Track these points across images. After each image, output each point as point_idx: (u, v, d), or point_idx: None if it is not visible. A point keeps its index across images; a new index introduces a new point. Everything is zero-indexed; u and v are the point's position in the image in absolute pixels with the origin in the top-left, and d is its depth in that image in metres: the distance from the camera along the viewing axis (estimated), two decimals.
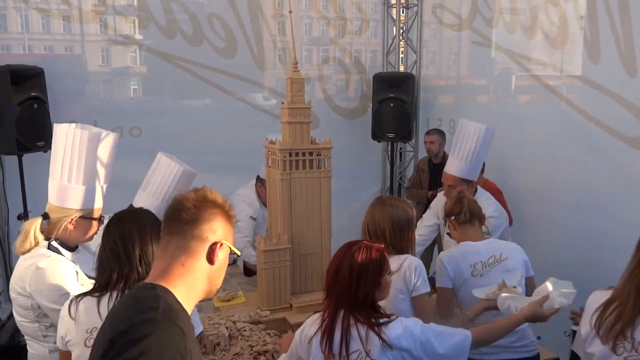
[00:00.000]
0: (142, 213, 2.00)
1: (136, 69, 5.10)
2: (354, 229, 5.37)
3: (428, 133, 4.98)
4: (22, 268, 2.13)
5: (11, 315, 4.22)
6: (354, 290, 1.85)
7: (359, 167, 5.63)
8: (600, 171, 3.67)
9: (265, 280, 2.96)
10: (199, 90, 5.07)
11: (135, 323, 1.18)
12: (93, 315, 1.79)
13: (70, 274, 2.10)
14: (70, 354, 1.86)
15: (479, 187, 3.43)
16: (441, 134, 4.91)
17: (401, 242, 2.39)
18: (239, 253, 1.38)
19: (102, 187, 2.32)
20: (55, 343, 2.13)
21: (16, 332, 4.16)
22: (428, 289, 2.36)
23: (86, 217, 2.23)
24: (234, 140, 4.79)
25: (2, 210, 4.39)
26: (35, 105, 4.03)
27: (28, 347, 2.25)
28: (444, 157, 4.81)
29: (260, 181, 3.95)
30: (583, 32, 3.77)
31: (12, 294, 2.15)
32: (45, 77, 4.27)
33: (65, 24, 4.66)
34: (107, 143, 2.31)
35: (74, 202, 2.22)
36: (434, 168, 4.91)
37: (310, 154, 3.01)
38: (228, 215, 1.39)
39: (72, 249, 2.25)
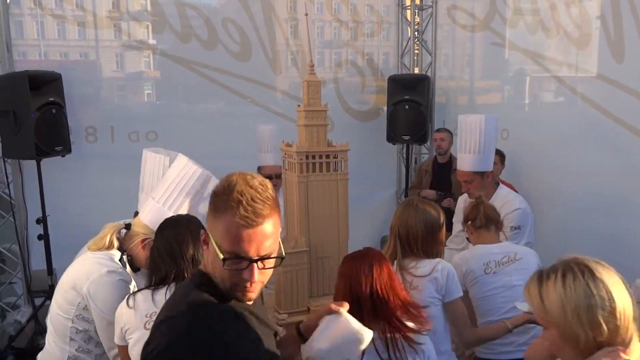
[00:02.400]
0: (192, 219, 2.17)
1: (150, 74, 5.13)
2: (370, 231, 5.43)
3: (438, 131, 4.99)
4: (88, 268, 2.17)
5: (31, 318, 4.28)
6: None
7: (374, 169, 5.62)
8: (622, 171, 3.61)
9: (282, 283, 2.95)
10: (214, 94, 5.09)
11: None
12: (149, 303, 1.99)
13: (127, 290, 2.16)
14: (127, 348, 2.01)
15: (500, 184, 3.42)
16: (450, 132, 4.92)
17: (432, 245, 2.38)
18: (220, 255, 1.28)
19: None
20: (76, 350, 2.16)
21: (35, 334, 4.22)
22: (461, 294, 2.37)
23: None
24: (249, 143, 4.80)
25: (21, 214, 4.44)
26: (54, 111, 4.07)
27: (47, 345, 2.26)
28: (450, 158, 4.82)
29: (259, 170, 4.08)
30: (605, 31, 3.73)
31: (65, 285, 2.19)
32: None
33: (80, 30, 4.71)
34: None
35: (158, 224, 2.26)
36: (439, 168, 4.90)
37: (327, 156, 2.99)
38: (215, 206, 1.30)
39: (135, 269, 2.32)
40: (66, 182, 4.50)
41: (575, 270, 1.25)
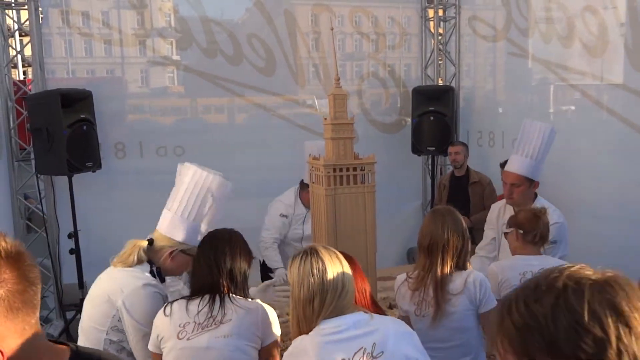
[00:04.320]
0: (234, 234, 2.22)
1: (174, 89, 5.22)
2: (396, 244, 5.40)
3: (452, 144, 4.92)
4: (122, 281, 2.21)
5: (63, 332, 4.36)
6: None
7: (399, 181, 5.60)
8: None
9: None
10: (238, 108, 5.15)
11: None
12: (183, 313, 2.03)
13: (162, 302, 2.18)
14: (161, 356, 2.05)
15: (538, 194, 3.34)
16: (465, 145, 4.87)
17: (463, 253, 2.34)
18: None
19: (205, 229, 2.39)
20: None
21: None
22: (495, 304, 2.30)
23: (187, 252, 2.33)
24: (275, 156, 4.84)
25: (54, 229, 4.53)
26: (85, 127, 4.16)
27: None
28: (468, 171, 4.78)
29: (302, 186, 4.03)
30: (624, 40, 3.68)
31: (97, 299, 2.23)
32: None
33: (106, 47, 4.81)
34: (224, 192, 2.41)
35: (179, 234, 2.32)
36: (456, 182, 4.83)
37: (354, 169, 3.00)
38: None
39: (162, 280, 2.36)
40: (97, 198, 4.58)
41: (308, 254, 1.73)
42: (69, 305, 4.48)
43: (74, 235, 4.25)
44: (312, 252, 1.74)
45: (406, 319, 2.40)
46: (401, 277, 2.45)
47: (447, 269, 2.28)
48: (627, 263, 3.57)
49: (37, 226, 4.61)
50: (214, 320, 2.00)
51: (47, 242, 4.52)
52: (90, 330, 2.23)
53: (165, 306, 2.08)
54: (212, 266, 2.08)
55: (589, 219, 3.95)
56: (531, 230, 2.62)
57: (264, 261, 4.10)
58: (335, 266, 1.72)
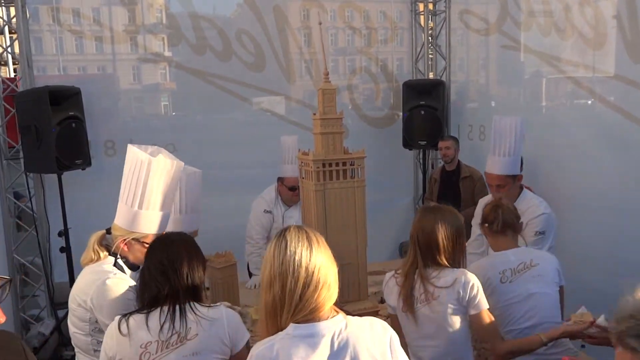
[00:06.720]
0: (187, 238, 2.08)
1: (166, 86, 5.20)
2: (387, 238, 5.40)
3: (442, 139, 4.91)
4: (86, 281, 2.17)
5: (54, 330, 4.34)
6: None
7: (390, 176, 5.60)
8: None
9: None
10: (229, 105, 5.13)
11: None
12: (144, 331, 1.84)
13: (132, 294, 2.10)
14: None
15: (524, 188, 3.35)
16: (455, 140, 4.87)
17: (454, 252, 2.27)
18: None
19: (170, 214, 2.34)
20: None
21: (59, 346, 4.27)
22: (487, 305, 2.26)
23: (139, 240, 2.22)
24: (266, 153, 4.83)
25: (44, 227, 4.51)
26: (74, 124, 4.13)
27: None
28: (459, 165, 4.78)
29: (280, 180, 4.02)
30: (621, 31, 3.68)
31: (72, 305, 2.19)
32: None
33: (97, 44, 4.79)
34: (176, 174, 2.30)
35: (148, 227, 2.22)
36: (447, 176, 4.84)
37: (344, 164, 2.99)
38: None
39: (134, 268, 2.28)
40: (87, 195, 4.56)
41: (278, 235, 1.54)
42: (60, 304, 4.46)
43: (64, 233, 4.23)
44: (280, 233, 1.53)
45: (394, 316, 2.38)
46: (390, 273, 2.44)
47: (435, 265, 2.26)
48: (621, 254, 3.62)
49: (27, 224, 4.58)
50: (178, 336, 1.83)
51: (38, 241, 4.49)
52: (76, 337, 2.22)
53: (120, 322, 1.85)
54: (168, 271, 1.90)
55: (583, 210, 3.96)
56: (493, 220, 2.61)
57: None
58: (303, 248, 1.50)
